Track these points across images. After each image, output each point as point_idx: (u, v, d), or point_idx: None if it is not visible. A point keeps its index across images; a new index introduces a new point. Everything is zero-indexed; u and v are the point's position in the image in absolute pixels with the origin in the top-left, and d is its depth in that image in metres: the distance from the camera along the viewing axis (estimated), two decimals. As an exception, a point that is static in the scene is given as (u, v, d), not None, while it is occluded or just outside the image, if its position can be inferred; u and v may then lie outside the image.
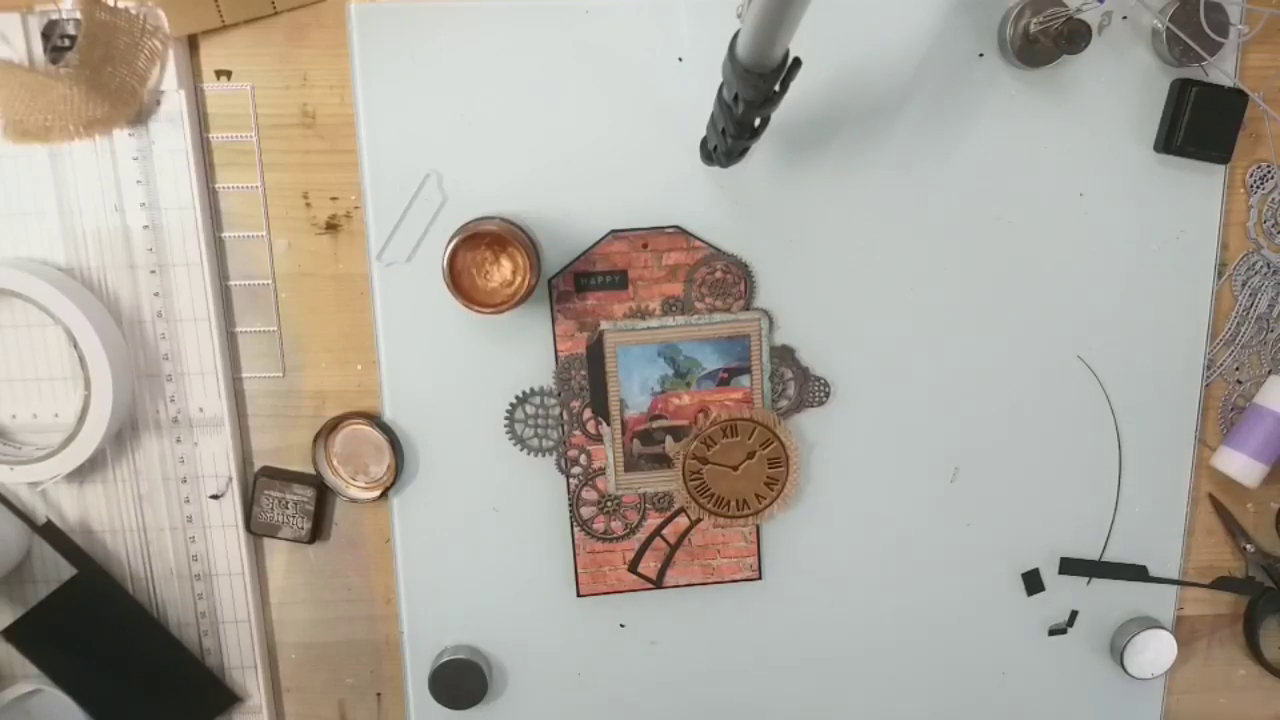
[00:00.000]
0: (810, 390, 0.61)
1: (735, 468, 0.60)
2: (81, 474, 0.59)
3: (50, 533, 0.59)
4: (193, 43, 0.55)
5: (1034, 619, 0.65)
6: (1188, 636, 0.66)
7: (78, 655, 0.60)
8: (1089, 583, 0.64)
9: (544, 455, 0.61)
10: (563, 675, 0.63)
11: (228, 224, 0.58)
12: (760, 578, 0.63)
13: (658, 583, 0.62)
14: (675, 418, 0.60)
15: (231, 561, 0.61)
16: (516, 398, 0.60)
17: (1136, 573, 0.64)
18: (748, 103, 0.45)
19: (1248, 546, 0.64)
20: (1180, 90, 0.57)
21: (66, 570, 0.59)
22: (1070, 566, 0.64)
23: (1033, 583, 0.64)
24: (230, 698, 0.62)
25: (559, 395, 0.60)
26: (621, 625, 0.63)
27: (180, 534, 0.60)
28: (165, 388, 0.58)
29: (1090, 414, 0.62)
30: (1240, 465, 0.61)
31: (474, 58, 0.56)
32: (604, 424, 0.60)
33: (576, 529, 0.61)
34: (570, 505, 0.61)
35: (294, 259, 0.58)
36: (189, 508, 0.60)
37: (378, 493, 0.60)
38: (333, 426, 0.59)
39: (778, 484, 0.61)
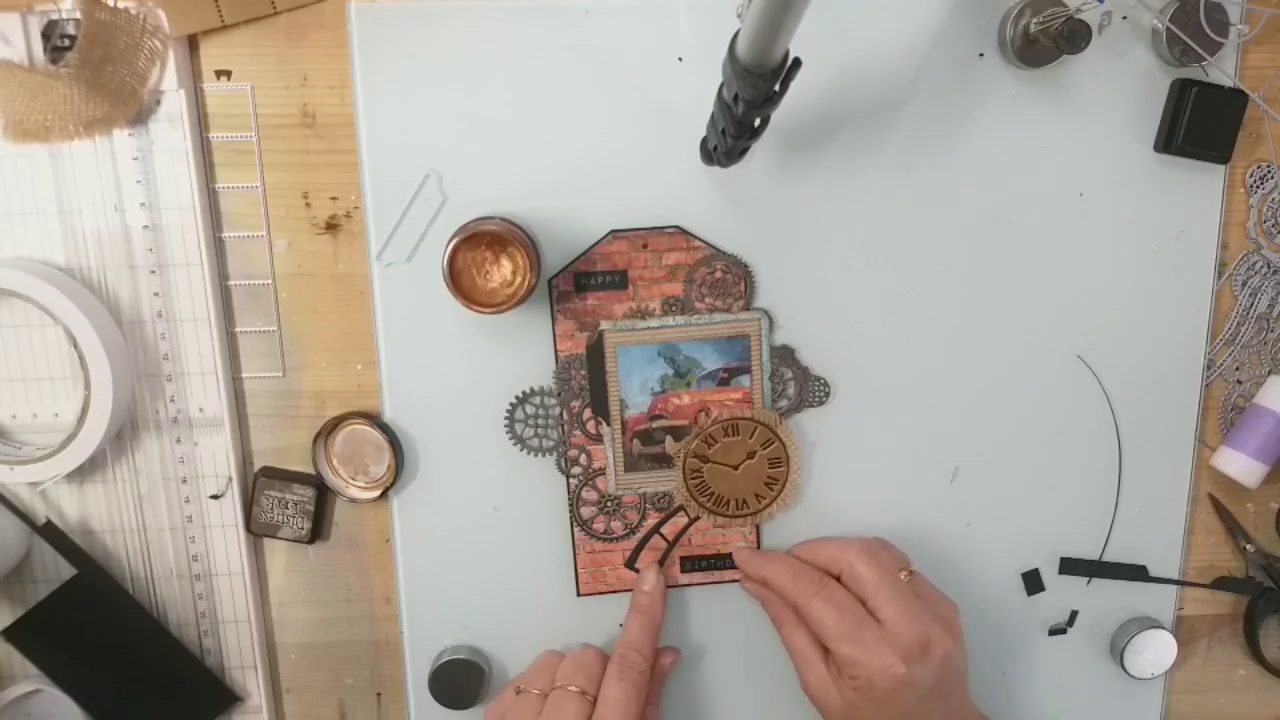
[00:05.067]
0: (810, 390, 0.61)
1: (735, 467, 0.60)
2: (81, 474, 0.59)
3: (50, 533, 0.59)
4: (193, 43, 0.55)
5: (1034, 619, 0.65)
6: (1188, 636, 0.66)
7: (78, 655, 0.60)
8: (1089, 583, 0.64)
9: (544, 455, 0.61)
10: (563, 675, 0.63)
11: (228, 224, 0.58)
12: (760, 578, 0.63)
13: (658, 583, 0.62)
14: (675, 418, 0.60)
15: (231, 561, 0.61)
16: (516, 398, 0.60)
17: (1136, 573, 0.64)
18: (748, 103, 0.45)
19: (1248, 546, 0.64)
20: (1180, 90, 0.57)
21: (66, 570, 0.59)
22: (1070, 566, 0.64)
23: (1033, 583, 0.64)
24: (230, 698, 0.62)
25: (559, 395, 0.60)
26: (621, 625, 0.63)
27: (180, 534, 0.60)
28: (165, 388, 0.58)
29: (1090, 414, 0.62)
30: (1240, 465, 0.61)
31: (474, 58, 0.56)
32: (604, 424, 0.60)
33: (576, 529, 0.61)
34: (570, 505, 0.61)
35: (294, 259, 0.58)
36: (189, 508, 0.60)
37: (378, 493, 0.60)
38: (333, 426, 0.59)
39: (778, 484, 0.61)
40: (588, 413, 0.60)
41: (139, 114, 0.55)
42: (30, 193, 0.56)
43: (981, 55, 0.57)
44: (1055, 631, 0.65)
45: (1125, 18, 0.57)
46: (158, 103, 0.55)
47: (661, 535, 0.62)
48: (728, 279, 0.59)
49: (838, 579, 0.57)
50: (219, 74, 0.56)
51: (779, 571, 0.58)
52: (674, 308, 0.59)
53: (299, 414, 0.60)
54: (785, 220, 0.59)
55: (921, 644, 0.53)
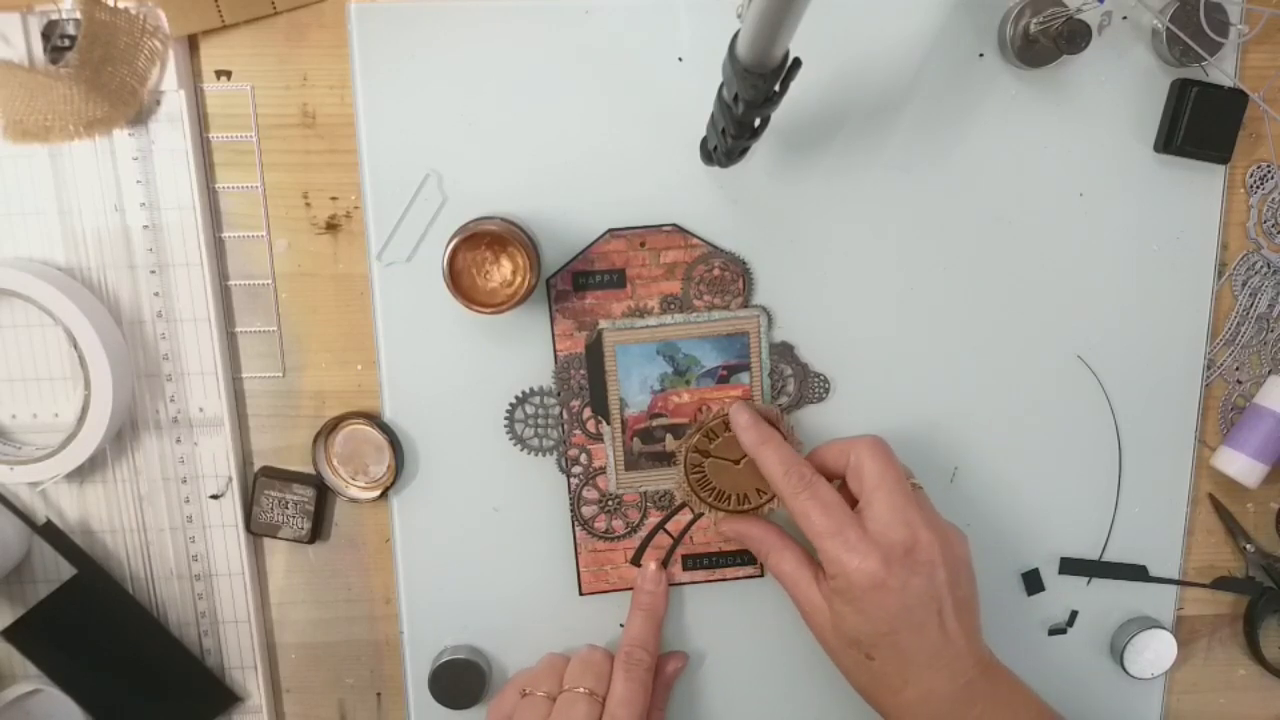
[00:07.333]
0: (810, 387, 0.61)
1: (737, 462, 0.60)
2: (81, 474, 0.59)
3: (50, 533, 0.59)
4: (193, 43, 0.55)
5: (1034, 619, 0.65)
6: (1188, 636, 0.66)
7: (78, 655, 0.60)
8: (1089, 583, 0.64)
9: (544, 455, 0.61)
10: (563, 675, 0.63)
11: (228, 224, 0.58)
12: (762, 575, 0.63)
13: (658, 582, 0.62)
14: (675, 416, 0.60)
15: (231, 561, 0.61)
16: (516, 397, 0.60)
17: (1136, 573, 0.64)
18: (748, 103, 0.45)
19: (1248, 546, 0.64)
20: (1180, 90, 0.57)
21: (66, 570, 0.59)
22: (1070, 566, 0.64)
23: (1033, 583, 0.64)
24: (230, 698, 0.62)
25: (559, 395, 0.60)
26: (623, 625, 0.63)
27: (180, 534, 0.60)
28: (165, 388, 0.58)
29: (1090, 414, 0.62)
30: (1240, 465, 0.61)
31: (474, 58, 0.56)
32: (604, 423, 0.60)
33: (578, 528, 0.61)
34: (571, 504, 0.61)
35: (294, 259, 0.58)
36: (189, 508, 0.60)
37: (378, 493, 0.60)
38: (333, 426, 0.59)
39: (778, 483, 0.61)
40: (587, 412, 0.60)
41: (139, 114, 0.55)
42: (30, 193, 0.56)
43: (981, 55, 0.57)
44: (1055, 631, 0.65)
45: (1125, 18, 0.57)
46: (158, 103, 0.55)
47: (667, 532, 0.62)
48: (726, 276, 0.59)
49: (844, 475, 0.56)
50: (219, 74, 0.56)
51: (772, 459, 0.56)
52: (672, 306, 0.59)
53: (299, 414, 0.60)
54: (785, 219, 0.59)
55: (906, 545, 0.52)
